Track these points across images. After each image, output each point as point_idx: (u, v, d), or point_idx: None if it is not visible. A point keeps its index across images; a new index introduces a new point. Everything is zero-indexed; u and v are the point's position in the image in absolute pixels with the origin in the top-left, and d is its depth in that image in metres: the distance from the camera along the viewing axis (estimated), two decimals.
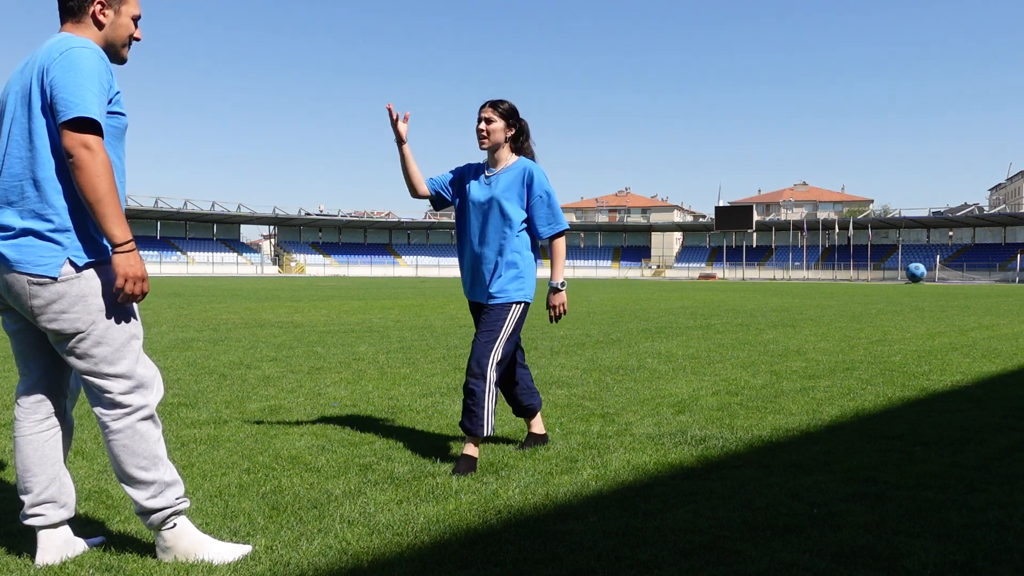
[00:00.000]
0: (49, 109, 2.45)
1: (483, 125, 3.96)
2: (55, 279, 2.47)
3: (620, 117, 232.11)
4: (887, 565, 2.62)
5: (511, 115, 3.99)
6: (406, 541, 2.83)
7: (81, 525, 2.96)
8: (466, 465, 3.76)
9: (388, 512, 3.14)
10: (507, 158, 4.01)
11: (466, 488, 3.48)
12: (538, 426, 4.30)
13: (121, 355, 2.57)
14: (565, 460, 3.98)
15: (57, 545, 2.62)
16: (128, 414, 2.57)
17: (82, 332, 2.50)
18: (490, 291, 3.93)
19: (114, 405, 2.56)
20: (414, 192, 4.08)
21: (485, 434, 3.80)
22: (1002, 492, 3.44)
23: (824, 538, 2.86)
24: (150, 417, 2.62)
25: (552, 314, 4.06)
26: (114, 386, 2.56)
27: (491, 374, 3.83)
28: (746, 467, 3.86)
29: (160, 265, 77.41)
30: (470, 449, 3.83)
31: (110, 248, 2.51)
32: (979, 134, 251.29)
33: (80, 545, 2.71)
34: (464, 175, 4.11)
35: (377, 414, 5.17)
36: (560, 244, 4.03)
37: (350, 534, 2.89)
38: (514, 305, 3.94)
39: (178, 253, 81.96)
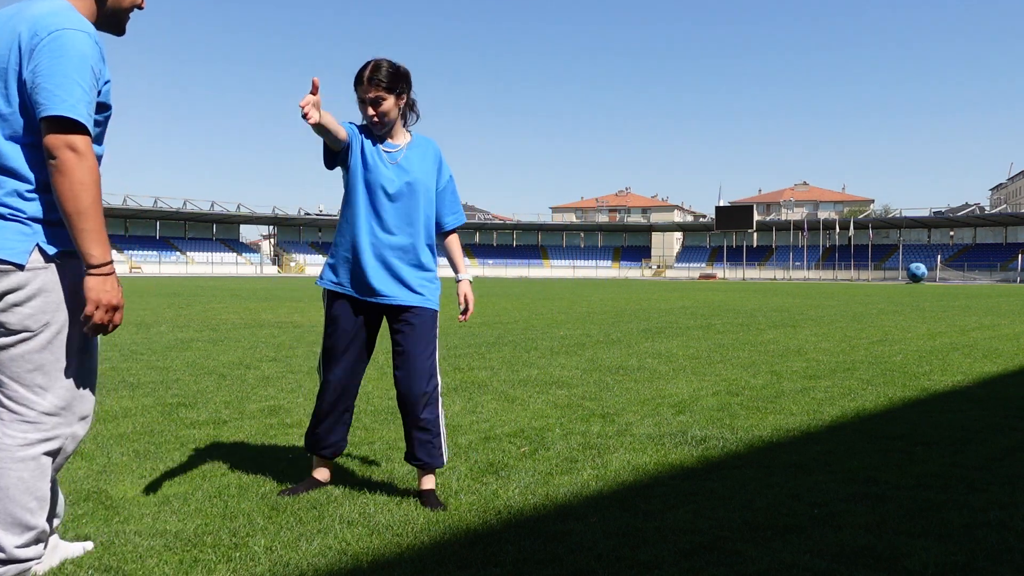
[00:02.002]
0: (27, 93, 2.16)
1: (372, 110, 3.21)
2: (21, 267, 2.17)
3: (620, 117, 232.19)
4: (888, 565, 2.62)
5: (396, 81, 3.23)
6: (406, 541, 2.83)
7: (81, 525, 2.95)
8: (435, 499, 3.27)
9: (388, 512, 3.13)
10: (403, 131, 3.36)
11: (466, 488, 3.47)
12: (429, 481, 3.38)
13: (59, 367, 2.23)
14: (565, 460, 3.97)
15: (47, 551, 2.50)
16: (40, 441, 2.22)
17: (31, 332, 2.19)
18: (414, 290, 3.32)
19: (27, 424, 2.21)
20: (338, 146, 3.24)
21: (444, 464, 3.41)
22: (1003, 492, 3.43)
23: (825, 538, 2.86)
24: (56, 452, 2.27)
25: (468, 310, 3.48)
26: (38, 402, 2.21)
27: (439, 394, 3.37)
28: (746, 467, 3.86)
29: (159, 265, 77.43)
30: (429, 481, 3.36)
31: (85, 267, 2.20)
32: (980, 134, 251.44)
33: (66, 550, 2.59)
34: (358, 141, 3.30)
35: (377, 414, 5.16)
36: (457, 237, 3.57)
37: (350, 534, 2.88)
38: (436, 313, 3.39)
39: (177, 253, 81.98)
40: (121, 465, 3.82)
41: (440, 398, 3.38)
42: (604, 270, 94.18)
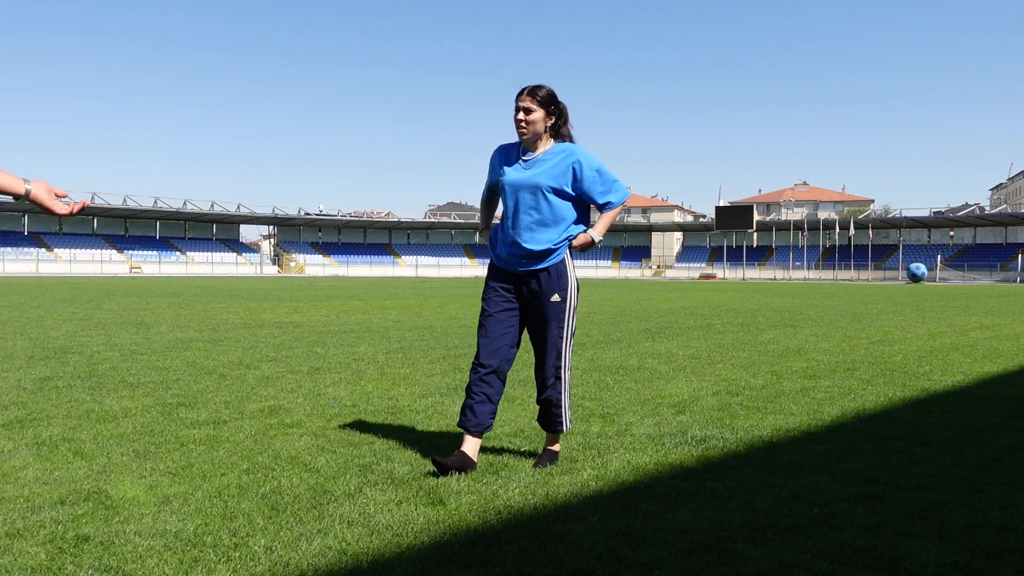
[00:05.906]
0: None
1: (522, 116, 3.79)
2: None
3: (620, 116, 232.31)
4: (888, 566, 2.62)
5: (550, 102, 3.82)
6: (406, 541, 2.83)
7: (80, 525, 2.96)
8: (545, 459, 3.91)
9: (388, 512, 3.13)
10: (546, 143, 3.88)
11: (466, 488, 3.47)
12: (550, 441, 4.03)
13: None
14: (565, 460, 3.97)
15: None
16: None
17: None
18: (538, 275, 3.83)
19: None
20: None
21: (565, 431, 3.98)
22: (1003, 493, 3.43)
23: (825, 539, 2.86)
24: None
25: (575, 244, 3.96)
26: None
27: (566, 375, 3.91)
28: (746, 467, 3.86)
29: (159, 265, 77.39)
30: (550, 442, 3.98)
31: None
32: (980, 134, 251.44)
33: None
34: (500, 161, 3.96)
35: (377, 414, 5.17)
36: (612, 211, 3.93)
37: (350, 534, 2.88)
38: (562, 302, 3.86)
39: (177, 253, 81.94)
40: (121, 465, 3.82)
41: (566, 376, 3.91)
42: (604, 270, 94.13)
